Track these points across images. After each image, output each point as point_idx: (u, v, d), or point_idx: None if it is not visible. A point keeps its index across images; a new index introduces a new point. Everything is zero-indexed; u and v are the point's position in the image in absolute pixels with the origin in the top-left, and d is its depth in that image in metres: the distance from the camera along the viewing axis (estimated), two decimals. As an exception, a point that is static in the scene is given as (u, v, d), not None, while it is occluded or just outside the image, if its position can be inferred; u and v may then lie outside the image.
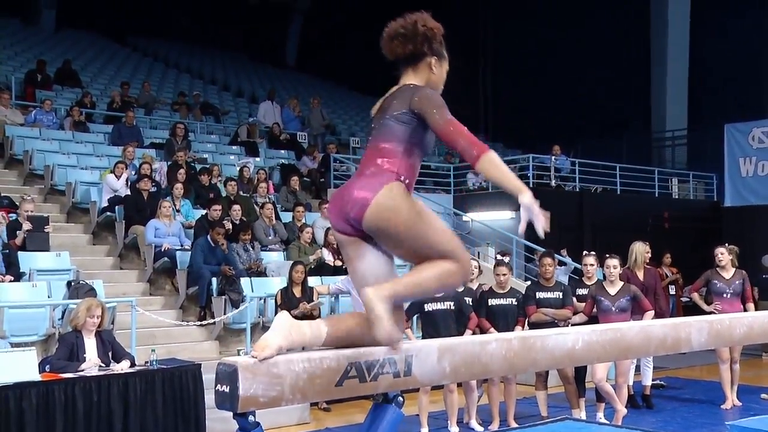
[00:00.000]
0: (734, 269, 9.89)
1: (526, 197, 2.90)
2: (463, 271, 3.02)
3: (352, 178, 3.13)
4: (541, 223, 2.96)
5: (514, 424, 8.38)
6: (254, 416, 2.58)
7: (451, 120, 2.97)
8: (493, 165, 2.92)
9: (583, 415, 8.46)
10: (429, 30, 3.11)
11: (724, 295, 9.78)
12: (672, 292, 15.29)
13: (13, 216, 10.98)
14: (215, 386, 2.56)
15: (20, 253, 10.15)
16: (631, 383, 9.64)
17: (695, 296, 10.40)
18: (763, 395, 10.43)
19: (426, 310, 8.43)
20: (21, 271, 9.91)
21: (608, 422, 8.15)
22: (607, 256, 8.80)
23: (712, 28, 23.10)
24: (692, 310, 13.70)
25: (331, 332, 2.82)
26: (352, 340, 2.86)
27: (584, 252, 9.60)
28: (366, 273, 3.06)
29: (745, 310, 9.52)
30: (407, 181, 3.05)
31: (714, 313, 9.30)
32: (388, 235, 2.98)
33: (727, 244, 10.23)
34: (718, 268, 9.94)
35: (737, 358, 9.91)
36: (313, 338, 2.79)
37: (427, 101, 3.01)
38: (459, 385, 8.48)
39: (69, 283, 9.72)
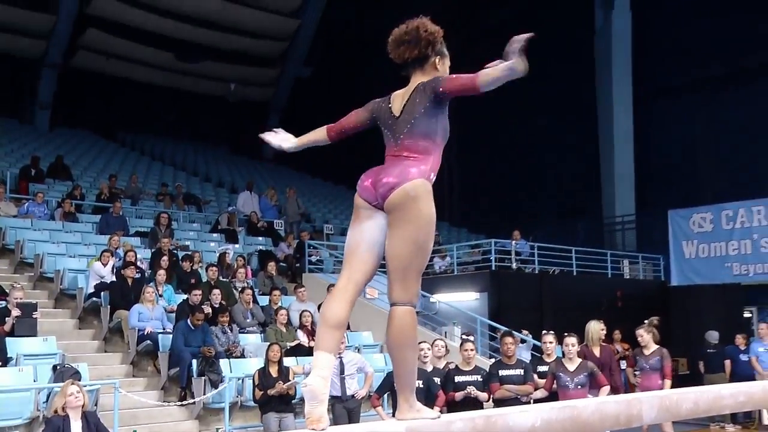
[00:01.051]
0: (656, 347, 10.06)
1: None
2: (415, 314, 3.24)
3: (384, 167, 3.30)
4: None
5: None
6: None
7: (452, 77, 3.24)
8: (486, 74, 3.11)
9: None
10: (431, 34, 3.33)
11: (644, 370, 9.97)
12: (623, 366, 15.31)
13: (2, 303, 10.93)
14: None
15: (8, 339, 10.08)
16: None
17: (630, 372, 10.58)
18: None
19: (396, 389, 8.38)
20: (8, 356, 9.83)
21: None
22: (566, 334, 8.84)
23: (653, 122, 23.62)
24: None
25: None
26: None
27: (543, 331, 9.64)
28: (365, 233, 3.28)
29: (662, 386, 9.65)
30: (433, 177, 3.29)
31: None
32: (402, 219, 3.16)
33: (645, 323, 10.37)
34: (641, 347, 10.13)
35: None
36: None
37: (449, 84, 3.22)
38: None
39: (54, 367, 9.65)
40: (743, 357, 14.50)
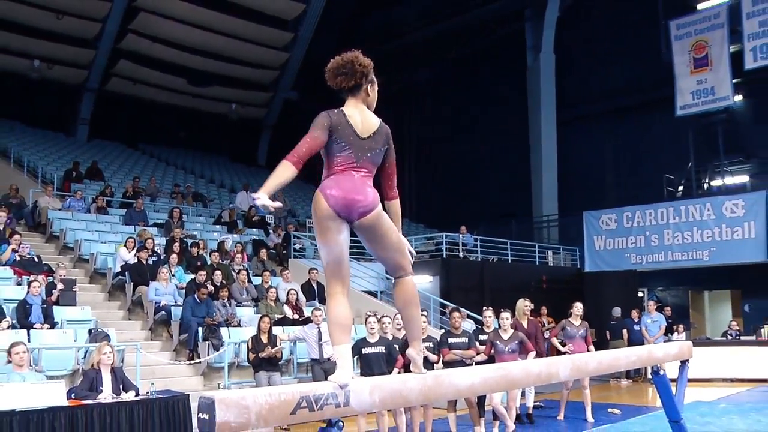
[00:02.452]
0: (581, 320, 10.35)
1: None
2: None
3: (349, 185, 3.15)
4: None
5: (430, 440, 8.31)
6: (228, 438, 2.54)
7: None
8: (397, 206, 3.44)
9: (482, 430, 8.41)
10: (364, 67, 3.26)
11: (575, 338, 10.29)
12: (547, 336, 15.43)
13: (50, 279, 11.04)
14: (197, 414, 2.52)
15: (54, 307, 10.23)
16: (517, 405, 9.66)
17: (554, 340, 10.78)
18: (610, 410, 10.56)
19: (363, 353, 8.37)
20: (55, 321, 10.00)
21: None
22: (501, 310, 8.90)
23: (572, 142, 23.84)
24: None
25: None
26: None
27: (483, 307, 9.69)
28: (344, 247, 3.20)
29: (588, 350, 9.93)
30: None
31: (567, 353, 9.79)
32: (378, 233, 3.20)
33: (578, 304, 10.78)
34: (571, 318, 10.43)
35: (587, 384, 10.16)
36: None
37: (392, 148, 3.34)
38: (390, 410, 8.40)
39: (90, 331, 9.79)
40: (636, 327, 14.76)
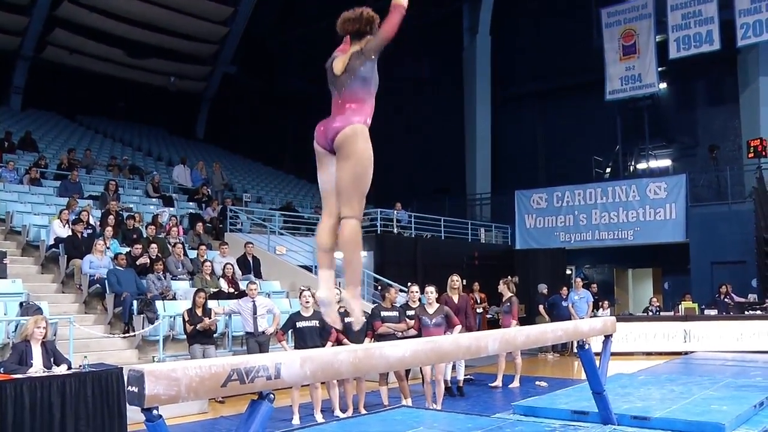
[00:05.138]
0: (509, 294, 10.88)
1: None
2: (360, 225, 3.35)
3: (332, 116, 3.36)
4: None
5: (363, 411, 8.33)
6: (158, 410, 2.46)
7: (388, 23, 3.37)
8: (388, 23, 3.39)
9: (410, 402, 8.49)
10: (371, 17, 3.43)
11: (503, 313, 11.14)
12: (479, 311, 15.66)
13: None
14: (127, 387, 2.44)
15: None
16: (448, 378, 9.78)
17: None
18: (537, 382, 10.82)
19: (298, 326, 8.32)
20: None
21: (433, 408, 8.20)
22: (426, 285, 8.97)
23: (506, 122, 24.09)
24: (494, 324, 14.12)
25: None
26: None
27: (408, 283, 9.76)
28: (330, 177, 3.39)
29: (511, 325, 10.42)
30: (369, 121, 3.38)
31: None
32: (345, 155, 3.27)
33: (508, 278, 11.30)
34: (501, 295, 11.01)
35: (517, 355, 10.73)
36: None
37: (378, 40, 3.36)
38: (323, 383, 8.39)
39: (21, 304, 9.38)
40: (564, 303, 15.08)
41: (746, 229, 16.34)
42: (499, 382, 10.70)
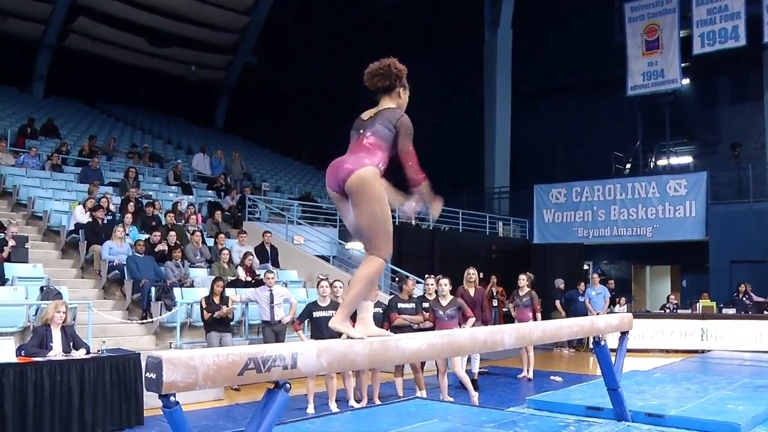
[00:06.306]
0: (528, 289, 10.84)
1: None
2: (382, 268, 3.28)
3: (344, 156, 3.29)
4: (435, 211, 3.47)
5: (378, 402, 8.35)
6: (175, 396, 2.48)
7: (411, 149, 3.32)
8: (426, 187, 3.35)
9: (424, 394, 8.49)
10: (399, 71, 3.41)
11: (519, 306, 11.13)
12: (495, 304, 15.63)
13: (1, 236, 10.72)
14: (145, 373, 2.46)
15: (5, 264, 9.98)
16: (464, 371, 9.78)
17: (510, 306, 11.25)
18: (552, 377, 10.81)
19: (314, 316, 8.34)
20: (6, 278, 9.74)
21: (450, 400, 8.19)
22: (440, 277, 8.97)
23: (526, 117, 23.95)
24: (510, 318, 14.10)
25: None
26: None
27: (425, 275, 9.76)
28: (348, 221, 3.35)
29: (534, 318, 10.43)
30: (382, 167, 3.30)
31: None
32: (356, 201, 3.19)
33: (527, 273, 11.28)
34: (518, 288, 10.98)
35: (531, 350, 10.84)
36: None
37: (404, 127, 3.31)
38: (339, 373, 8.42)
39: (42, 288, 9.51)
40: (581, 299, 15.00)
41: (767, 228, 16.15)
42: (526, 373, 10.95)
